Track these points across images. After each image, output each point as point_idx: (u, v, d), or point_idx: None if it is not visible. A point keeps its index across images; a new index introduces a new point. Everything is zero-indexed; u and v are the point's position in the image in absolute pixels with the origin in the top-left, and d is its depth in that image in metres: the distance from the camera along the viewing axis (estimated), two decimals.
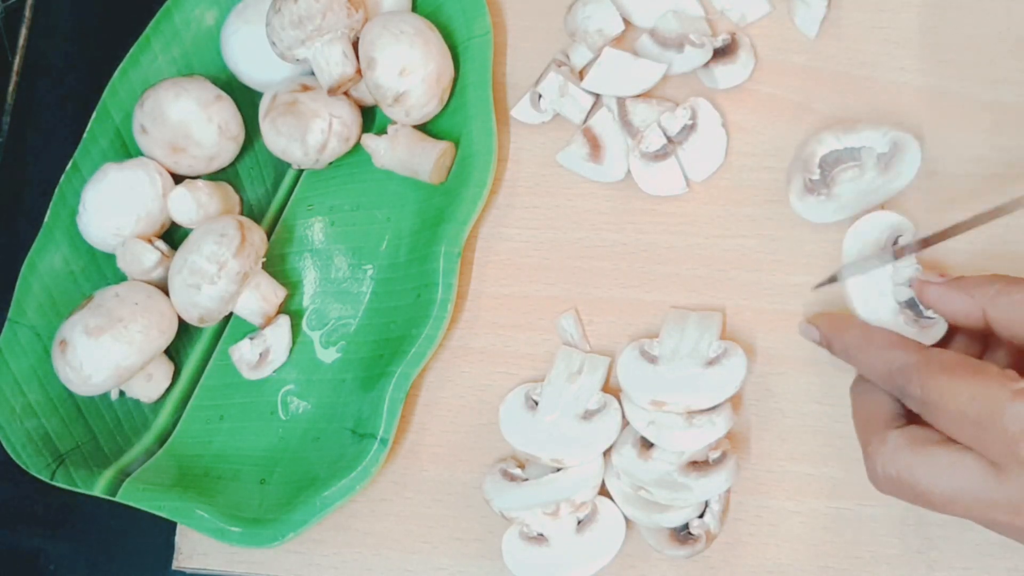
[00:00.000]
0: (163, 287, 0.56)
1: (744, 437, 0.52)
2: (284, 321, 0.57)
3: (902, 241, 0.50)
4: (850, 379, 0.50)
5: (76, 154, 0.59)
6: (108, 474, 0.55)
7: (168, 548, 0.56)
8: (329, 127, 0.56)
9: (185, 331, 0.58)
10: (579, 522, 0.51)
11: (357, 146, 0.58)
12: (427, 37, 0.56)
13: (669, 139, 0.55)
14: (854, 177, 0.52)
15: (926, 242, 0.48)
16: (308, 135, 0.56)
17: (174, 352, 0.58)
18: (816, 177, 0.52)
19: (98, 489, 0.54)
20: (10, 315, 0.58)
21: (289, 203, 0.60)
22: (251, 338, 0.56)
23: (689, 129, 0.55)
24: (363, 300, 0.57)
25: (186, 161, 0.58)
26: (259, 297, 0.56)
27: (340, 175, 0.59)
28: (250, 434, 0.57)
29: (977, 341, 0.48)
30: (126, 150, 0.60)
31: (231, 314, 0.57)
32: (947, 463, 0.42)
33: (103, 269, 0.59)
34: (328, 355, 0.57)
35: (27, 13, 0.68)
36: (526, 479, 0.52)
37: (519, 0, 0.59)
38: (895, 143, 0.51)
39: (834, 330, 0.49)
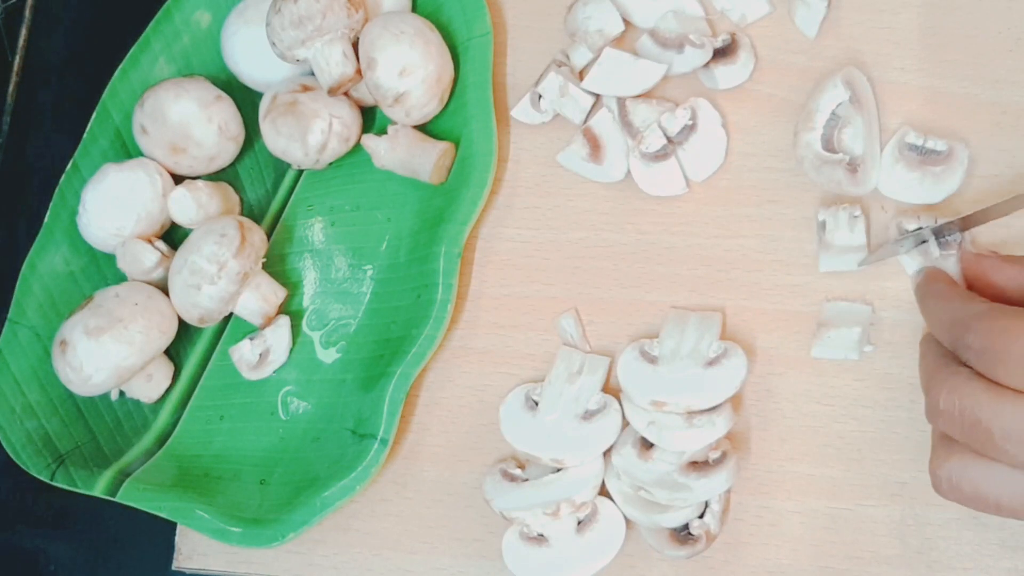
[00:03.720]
0: (163, 287, 0.56)
1: (744, 437, 0.52)
2: (284, 321, 0.57)
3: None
4: (849, 378, 0.51)
5: (76, 154, 0.59)
6: (108, 474, 0.55)
7: (168, 548, 0.56)
8: (329, 127, 0.56)
9: (185, 331, 0.58)
10: (579, 522, 0.51)
11: (357, 146, 0.58)
12: (427, 37, 0.56)
13: (669, 139, 0.55)
14: (851, 133, 0.52)
15: (965, 222, 0.48)
16: (308, 135, 0.56)
17: (174, 352, 0.58)
18: (848, 159, 0.52)
19: (98, 489, 0.54)
20: (10, 315, 0.58)
21: (289, 203, 0.60)
22: (251, 338, 0.56)
23: (689, 129, 0.55)
24: (363, 300, 0.57)
25: (186, 161, 0.58)
26: (259, 297, 0.56)
27: (340, 175, 0.59)
28: (250, 434, 0.57)
29: None
30: (126, 150, 0.60)
31: (231, 314, 0.57)
32: (1007, 475, 0.41)
33: (103, 269, 0.59)
34: (328, 355, 0.57)
35: (27, 13, 0.68)
36: (526, 479, 0.52)
37: (519, 0, 0.59)
38: (847, 82, 0.52)
39: (922, 279, 0.50)
